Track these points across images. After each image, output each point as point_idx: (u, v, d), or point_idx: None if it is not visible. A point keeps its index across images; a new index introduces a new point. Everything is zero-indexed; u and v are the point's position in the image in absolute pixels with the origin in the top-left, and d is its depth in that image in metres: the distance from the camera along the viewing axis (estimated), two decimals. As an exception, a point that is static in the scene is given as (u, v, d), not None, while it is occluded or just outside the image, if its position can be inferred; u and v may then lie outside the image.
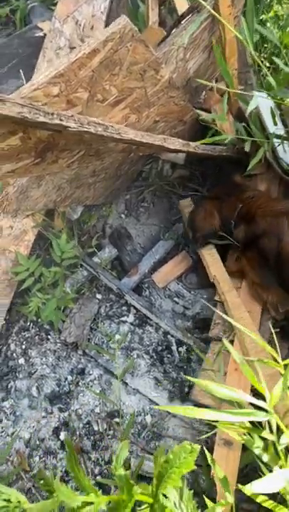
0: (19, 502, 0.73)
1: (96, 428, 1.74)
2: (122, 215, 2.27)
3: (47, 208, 1.99)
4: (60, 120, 1.01)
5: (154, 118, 1.74)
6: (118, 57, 1.21)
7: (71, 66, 1.08)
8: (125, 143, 1.56)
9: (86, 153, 1.67)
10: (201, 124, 2.00)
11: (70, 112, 1.06)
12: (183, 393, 1.71)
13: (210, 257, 1.88)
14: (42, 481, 0.76)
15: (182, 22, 1.52)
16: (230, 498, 1.20)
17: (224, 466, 1.45)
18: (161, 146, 1.63)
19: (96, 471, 1.65)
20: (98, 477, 1.64)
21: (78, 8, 2.28)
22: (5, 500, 0.73)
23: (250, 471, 1.45)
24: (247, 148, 1.85)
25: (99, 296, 2.04)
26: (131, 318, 1.93)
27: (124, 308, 1.97)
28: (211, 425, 1.64)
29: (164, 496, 0.84)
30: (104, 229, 2.24)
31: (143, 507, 0.84)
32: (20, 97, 1.06)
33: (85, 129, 1.09)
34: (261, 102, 1.90)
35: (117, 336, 1.89)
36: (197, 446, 0.84)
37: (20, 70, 2.31)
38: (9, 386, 1.90)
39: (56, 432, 1.77)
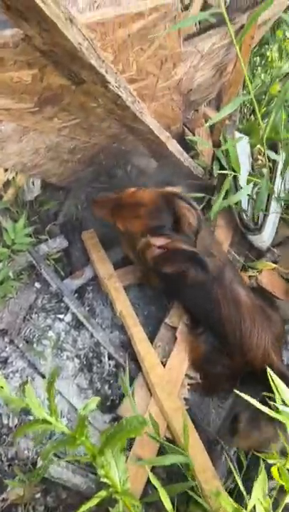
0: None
1: (5, 422, 1.52)
2: (80, 207, 2.11)
3: (14, 169, 1.75)
4: (106, 72, 0.89)
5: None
6: (154, 32, 1.13)
7: (114, 20, 0.97)
8: (132, 126, 1.47)
9: (80, 124, 1.55)
10: (181, 141, 1.98)
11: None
12: (104, 405, 1.58)
13: (115, 291, 1.79)
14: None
15: (210, 31, 1.50)
16: None
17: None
18: (162, 143, 1.58)
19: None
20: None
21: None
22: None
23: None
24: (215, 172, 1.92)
25: (38, 285, 1.83)
26: (68, 317, 1.76)
27: (62, 304, 1.79)
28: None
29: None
30: (57, 216, 2.06)
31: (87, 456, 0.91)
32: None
33: (119, 93, 0.98)
34: (239, 144, 1.94)
35: (50, 333, 1.70)
36: (147, 420, 0.98)
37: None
38: None
39: None
